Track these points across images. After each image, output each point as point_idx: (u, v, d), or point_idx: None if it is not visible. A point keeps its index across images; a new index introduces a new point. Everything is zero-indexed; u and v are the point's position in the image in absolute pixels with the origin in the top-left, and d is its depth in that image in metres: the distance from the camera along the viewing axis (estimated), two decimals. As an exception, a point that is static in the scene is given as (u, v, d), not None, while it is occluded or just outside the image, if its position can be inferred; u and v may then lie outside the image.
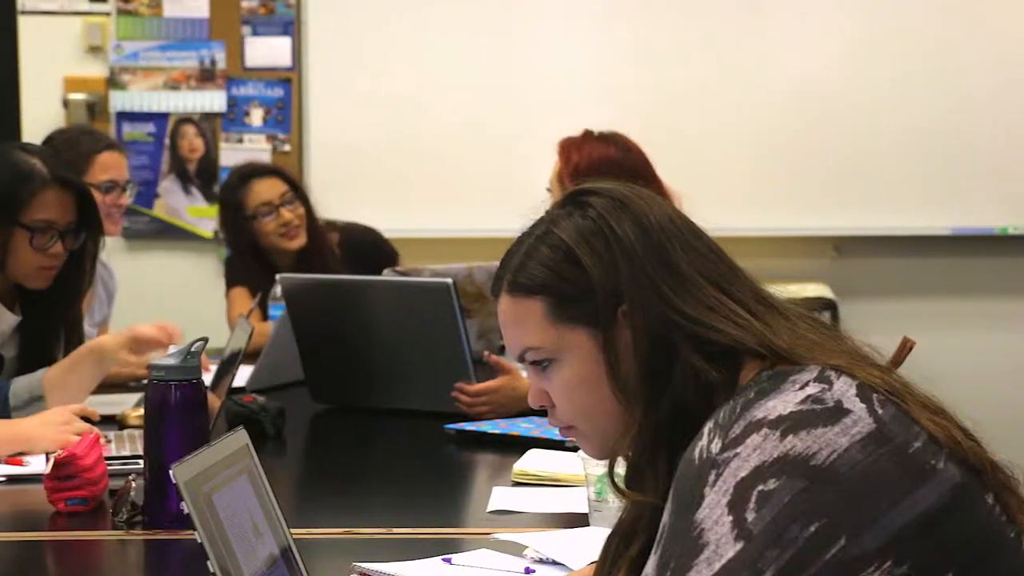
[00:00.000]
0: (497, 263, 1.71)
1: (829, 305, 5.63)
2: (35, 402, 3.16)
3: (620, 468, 1.63)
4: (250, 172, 4.72)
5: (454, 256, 4.80)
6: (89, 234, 3.40)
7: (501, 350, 3.79)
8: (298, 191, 4.67)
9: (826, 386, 1.48)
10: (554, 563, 2.05)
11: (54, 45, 5.88)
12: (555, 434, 2.86)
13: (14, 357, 3.44)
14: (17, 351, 3.45)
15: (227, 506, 1.62)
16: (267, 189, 4.61)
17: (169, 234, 5.97)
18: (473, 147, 5.89)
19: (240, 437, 1.76)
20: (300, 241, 4.60)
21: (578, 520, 2.30)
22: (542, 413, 1.70)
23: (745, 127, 5.84)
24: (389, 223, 5.23)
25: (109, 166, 3.97)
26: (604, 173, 3.66)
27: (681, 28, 5.86)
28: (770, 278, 1.68)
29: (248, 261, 4.64)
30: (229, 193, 4.69)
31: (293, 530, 1.75)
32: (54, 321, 3.43)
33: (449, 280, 3.33)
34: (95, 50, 5.89)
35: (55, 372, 3.20)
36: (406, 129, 5.88)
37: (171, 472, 1.55)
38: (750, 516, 1.40)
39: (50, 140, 3.99)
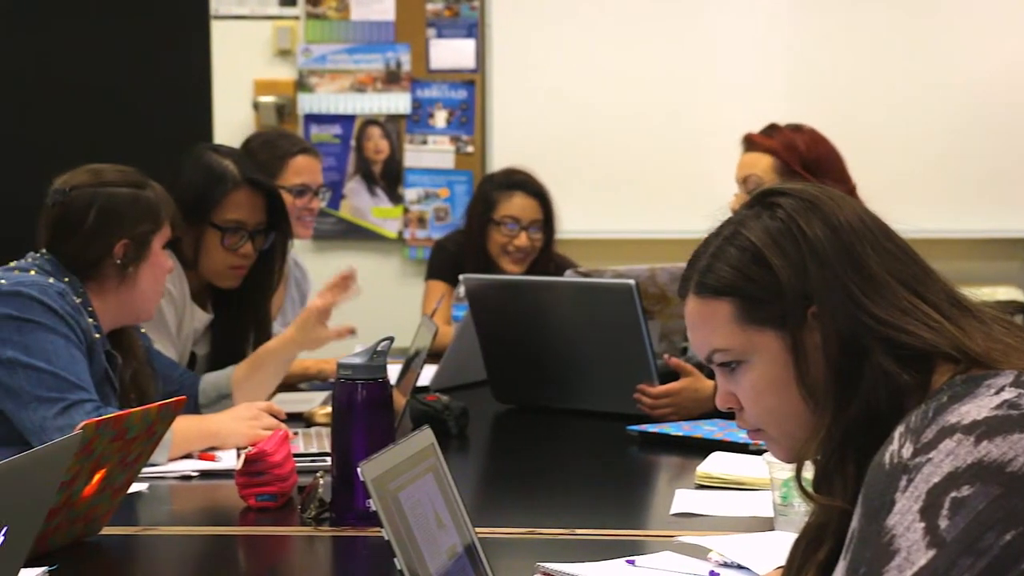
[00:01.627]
0: (679, 264, 1.70)
1: (1022, 308, 5.49)
2: (223, 399, 3.22)
3: (807, 472, 1.60)
4: (520, 183, 4.63)
5: (636, 257, 4.78)
6: (278, 235, 3.46)
7: (683, 352, 3.76)
8: (548, 223, 4.62)
9: (1023, 391, 1.45)
10: (739, 567, 2.03)
11: (245, 49, 5.99)
12: (739, 437, 2.84)
13: (206, 355, 3.52)
14: (209, 349, 3.53)
15: (413, 504, 1.63)
16: (522, 207, 4.55)
17: (354, 235, 6.05)
18: (655, 148, 5.87)
19: (426, 436, 1.77)
20: (520, 268, 4.53)
21: (763, 524, 2.28)
22: (725, 415, 1.68)
23: (933, 126, 5.73)
24: (571, 224, 5.23)
25: (303, 170, 4.01)
26: (829, 157, 3.64)
27: (867, 23, 5.77)
28: (960, 280, 1.64)
29: (465, 255, 4.58)
30: (492, 187, 4.64)
31: (476, 529, 1.76)
32: (244, 320, 3.50)
33: (632, 281, 3.32)
34: (284, 53, 5.99)
35: (242, 369, 3.26)
36: (588, 130, 5.88)
37: (359, 470, 1.57)
38: (943, 523, 1.37)
39: (247, 143, 4.05)
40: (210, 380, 3.27)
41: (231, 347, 3.46)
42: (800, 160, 3.71)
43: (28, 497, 1.74)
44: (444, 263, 4.66)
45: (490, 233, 4.55)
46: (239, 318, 3.51)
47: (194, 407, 3.18)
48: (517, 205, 4.56)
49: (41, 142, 6.05)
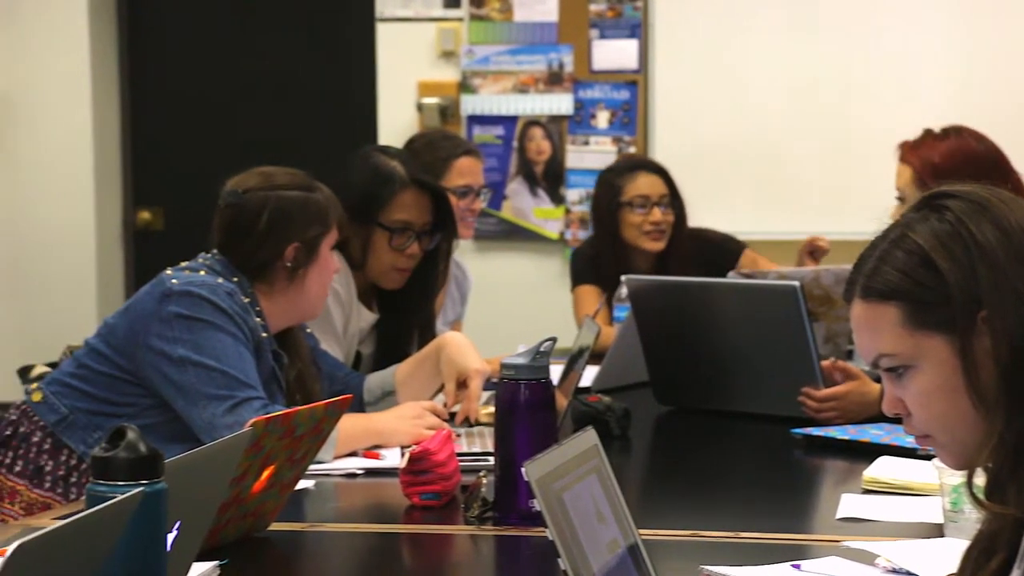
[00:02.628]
0: (844, 266, 1.68)
1: None
2: (387, 397, 3.26)
3: (978, 478, 1.58)
4: (639, 163, 4.76)
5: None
6: (444, 235, 3.49)
7: (848, 355, 3.72)
8: (676, 198, 4.63)
9: None
10: (908, 574, 2.00)
11: (409, 50, 6.05)
12: (906, 441, 2.79)
13: (371, 354, 3.57)
14: (373, 348, 3.57)
15: (577, 504, 1.63)
16: (649, 184, 4.58)
17: (516, 235, 6.08)
18: (819, 149, 5.81)
19: (589, 437, 1.77)
20: (660, 245, 4.55)
21: (932, 530, 2.24)
22: (892, 419, 1.66)
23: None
24: (732, 226, 5.18)
25: (466, 171, 4.03)
26: (967, 166, 3.56)
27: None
28: None
29: (602, 254, 4.60)
30: (613, 175, 4.65)
31: (640, 531, 1.76)
32: (408, 319, 3.53)
33: (796, 283, 3.28)
34: (448, 55, 6.04)
35: (405, 368, 3.29)
36: (750, 130, 5.84)
37: (523, 470, 1.57)
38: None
39: (410, 143, 4.08)
40: (374, 379, 3.31)
41: (395, 347, 3.49)
42: (933, 173, 3.62)
43: (201, 492, 1.78)
44: (586, 267, 4.68)
45: (623, 219, 4.55)
46: (404, 318, 3.54)
47: (359, 406, 3.22)
48: (643, 183, 4.57)
49: (210, 144, 6.18)
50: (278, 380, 3.00)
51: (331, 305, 3.38)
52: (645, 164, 4.72)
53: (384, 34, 6.07)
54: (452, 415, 3.15)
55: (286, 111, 6.29)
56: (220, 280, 2.90)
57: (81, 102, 6.20)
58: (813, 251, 4.54)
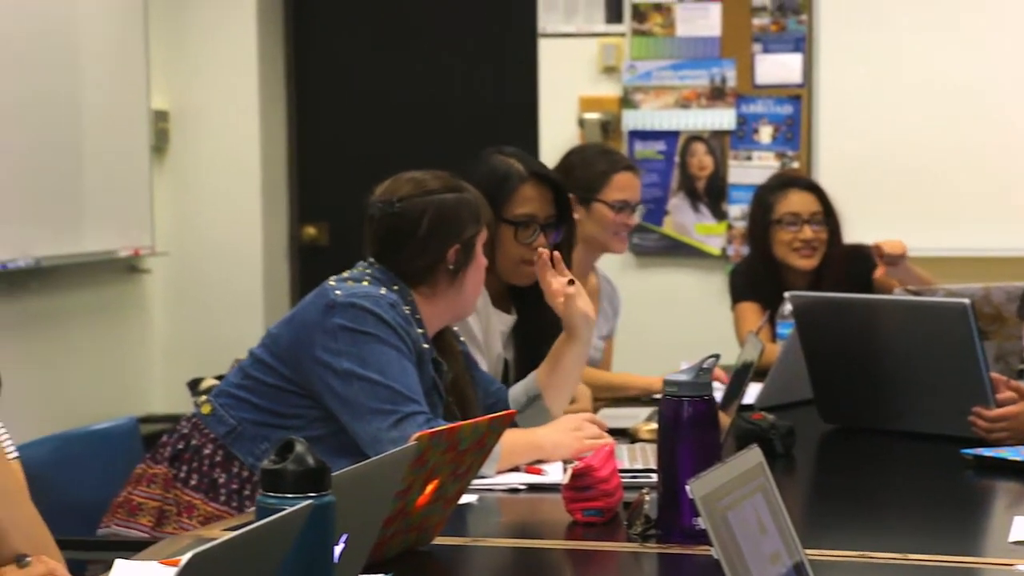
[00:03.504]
0: (1016, 284, 1.64)
1: None
2: (534, 401, 3.25)
3: None
4: (791, 180, 4.73)
5: (968, 276, 4.64)
6: (566, 228, 3.49)
7: (1020, 375, 3.64)
8: (829, 215, 4.59)
9: None
10: (1083, 600, 1.95)
11: (571, 66, 6.07)
12: (1081, 464, 2.72)
13: (515, 358, 3.56)
14: (514, 352, 3.57)
15: (741, 524, 1.62)
16: (800, 202, 4.56)
17: (677, 251, 6.05)
18: (989, 163, 5.70)
19: (754, 455, 1.75)
20: (811, 263, 4.52)
21: (1108, 556, 2.18)
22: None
23: None
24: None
25: (624, 187, 4.03)
26: None
27: None
28: None
29: (757, 272, 4.60)
30: (765, 192, 4.66)
31: (805, 551, 1.73)
32: (545, 319, 3.51)
33: (966, 300, 3.22)
34: (609, 70, 6.04)
35: (543, 367, 3.29)
36: (918, 144, 5.75)
37: (687, 487, 1.56)
38: None
39: (567, 156, 4.10)
40: (517, 388, 3.30)
41: (536, 347, 3.48)
42: None
43: (367, 505, 1.80)
44: (745, 284, 4.66)
45: (774, 236, 4.54)
46: (540, 318, 3.53)
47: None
48: (794, 201, 4.55)
49: (375, 160, 6.26)
50: (438, 390, 3.02)
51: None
52: (797, 181, 4.70)
53: (546, 50, 6.09)
54: (614, 431, 3.14)
55: (449, 127, 6.34)
56: (383, 291, 2.93)
57: (249, 119, 6.32)
58: (883, 256, 4.47)
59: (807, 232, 4.52)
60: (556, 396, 3.23)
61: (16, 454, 2.15)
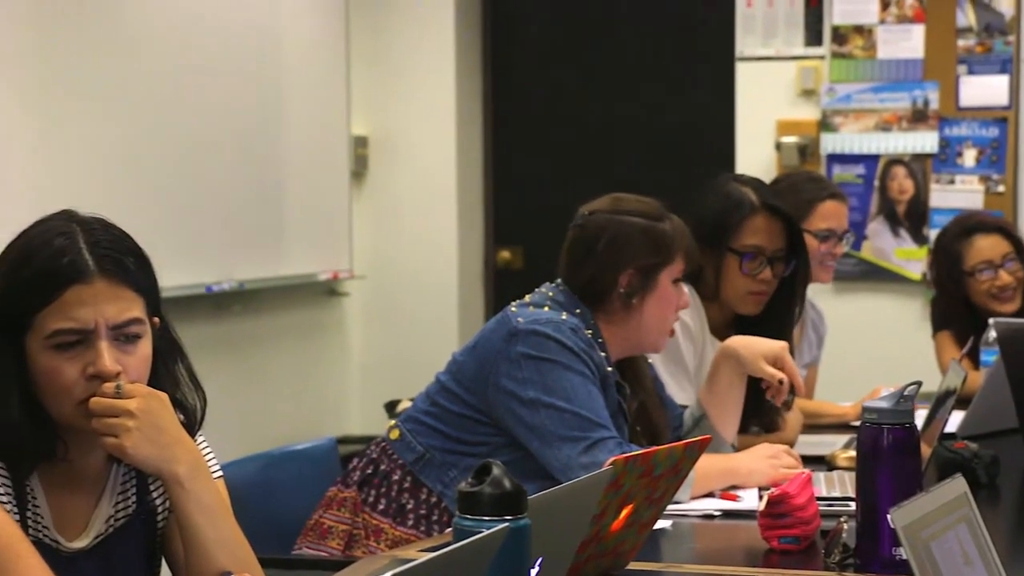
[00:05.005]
0: None
1: None
2: (700, 422, 3.21)
3: None
4: (974, 226, 4.54)
5: None
6: (798, 263, 3.44)
7: None
8: (1021, 252, 4.46)
9: None
10: None
11: (768, 89, 6.02)
12: None
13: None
14: None
15: (945, 555, 1.59)
16: (990, 247, 4.43)
17: (876, 276, 5.96)
18: None
19: (958, 484, 1.72)
20: (1013, 305, 4.40)
21: None
22: None
23: None
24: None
25: (829, 215, 3.96)
26: None
27: None
28: None
29: (956, 310, 4.51)
30: (949, 242, 4.52)
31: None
32: None
33: None
34: (807, 93, 5.98)
35: (704, 388, 3.25)
36: None
37: (889, 516, 1.53)
38: None
39: (775, 184, 4.05)
40: (686, 412, 3.27)
41: (755, 379, 3.45)
42: None
43: (562, 529, 1.80)
44: (943, 316, 4.54)
45: (970, 286, 4.42)
46: None
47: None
48: (983, 248, 4.42)
49: (569, 184, 6.28)
50: (623, 413, 3.01)
51: (680, 340, 3.36)
52: (980, 226, 4.52)
53: (744, 73, 6.05)
54: (811, 458, 3.10)
55: (644, 150, 6.33)
56: (564, 315, 2.92)
57: (446, 144, 6.39)
58: None
59: (1004, 278, 4.39)
60: (720, 415, 3.19)
61: (220, 473, 2.20)
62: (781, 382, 3.09)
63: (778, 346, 3.14)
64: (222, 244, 5.37)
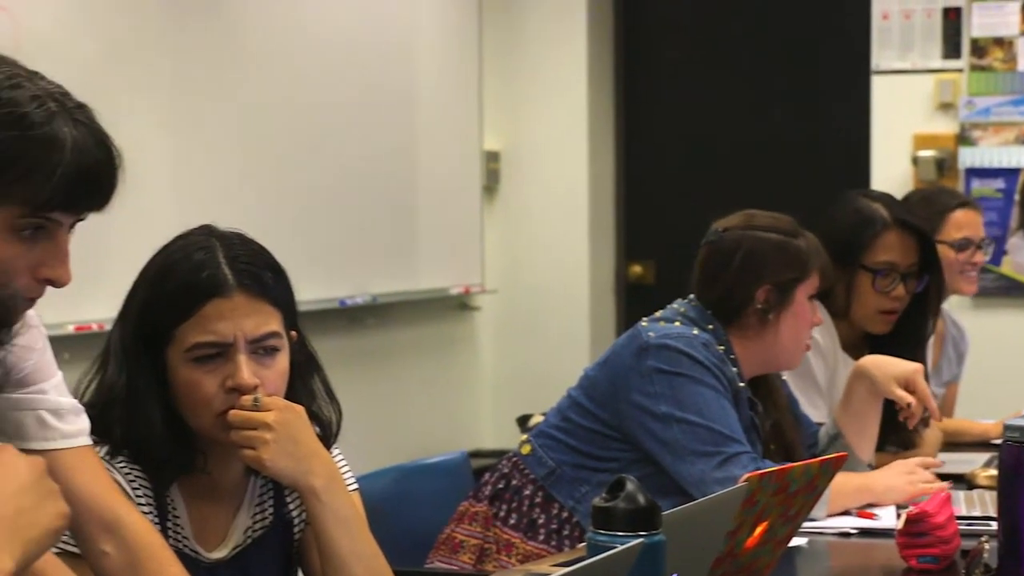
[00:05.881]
0: None
1: None
2: (835, 441, 3.17)
3: None
4: None
5: None
6: (932, 279, 3.39)
7: None
8: None
9: None
10: None
11: (905, 103, 5.94)
12: None
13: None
14: None
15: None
16: None
17: (1017, 292, 5.86)
18: None
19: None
20: None
21: None
22: None
23: None
24: None
25: (963, 224, 3.91)
26: None
27: None
28: None
29: None
30: None
31: None
32: None
33: None
34: (945, 107, 5.89)
35: (839, 407, 3.21)
36: None
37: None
38: None
39: (907, 199, 4.00)
40: (822, 430, 3.24)
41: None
42: None
43: (696, 545, 1.79)
44: None
45: None
46: None
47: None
48: None
49: (702, 199, 6.25)
50: (756, 429, 2.98)
51: (811, 357, 3.33)
52: None
53: (880, 86, 5.98)
54: (951, 476, 3.05)
55: (778, 164, 6.28)
56: (695, 331, 2.90)
57: (578, 158, 6.39)
58: None
59: None
60: (855, 435, 3.15)
61: (356, 486, 2.22)
62: (910, 405, 3.05)
63: (911, 368, 3.09)
64: (355, 258, 5.42)
